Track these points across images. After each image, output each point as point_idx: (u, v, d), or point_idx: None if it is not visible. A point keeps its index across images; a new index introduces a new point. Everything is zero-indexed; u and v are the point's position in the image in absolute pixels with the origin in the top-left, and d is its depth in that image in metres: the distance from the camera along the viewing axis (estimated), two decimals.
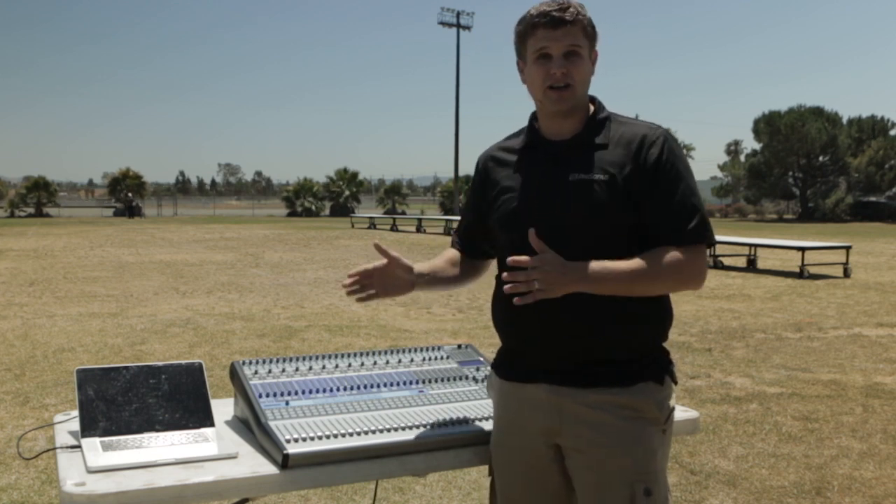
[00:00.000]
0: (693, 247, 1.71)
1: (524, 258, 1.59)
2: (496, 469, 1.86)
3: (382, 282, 1.85)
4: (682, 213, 1.70)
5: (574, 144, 1.76)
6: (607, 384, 1.70)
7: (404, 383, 2.09)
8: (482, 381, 2.15)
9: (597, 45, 1.78)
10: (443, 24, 50.55)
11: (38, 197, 44.03)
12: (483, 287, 2.15)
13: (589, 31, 1.74)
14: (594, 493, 1.71)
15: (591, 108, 1.81)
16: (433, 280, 1.93)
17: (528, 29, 1.74)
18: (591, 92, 1.82)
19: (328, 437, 1.76)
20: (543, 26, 1.71)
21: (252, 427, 1.88)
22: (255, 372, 2.04)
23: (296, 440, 1.73)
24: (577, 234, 1.70)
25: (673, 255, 1.68)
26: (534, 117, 1.85)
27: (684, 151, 1.77)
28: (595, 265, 1.64)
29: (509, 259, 1.60)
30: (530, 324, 1.74)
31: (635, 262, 1.66)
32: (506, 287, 1.62)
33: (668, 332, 1.80)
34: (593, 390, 1.70)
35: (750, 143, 61.90)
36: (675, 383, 1.79)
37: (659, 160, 1.70)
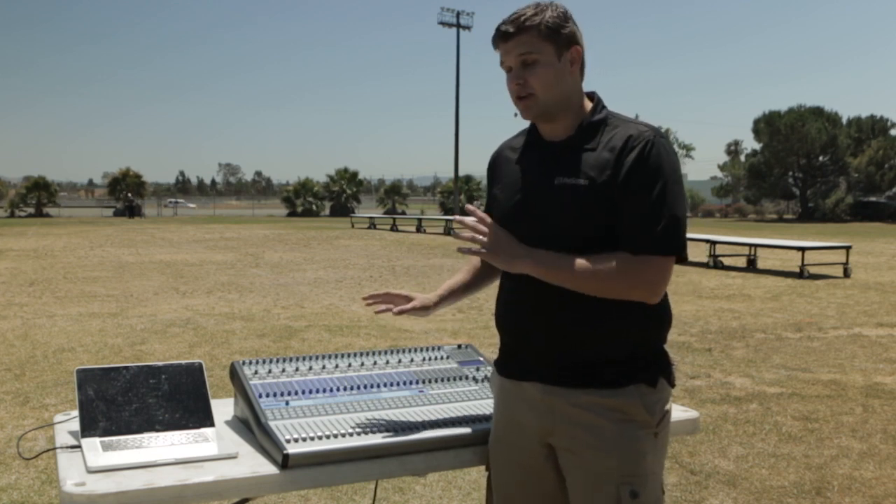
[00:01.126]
0: (649, 256, 1.65)
1: (481, 214, 1.71)
2: (493, 465, 1.87)
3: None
4: (647, 218, 1.65)
5: (564, 147, 1.76)
6: (598, 385, 1.69)
7: (404, 383, 2.09)
8: (482, 381, 2.15)
9: (573, 43, 1.73)
10: (443, 24, 50.55)
11: (38, 197, 44.06)
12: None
13: (547, 34, 1.70)
14: (582, 494, 1.71)
15: (590, 106, 1.79)
16: (450, 296, 2.05)
17: (493, 47, 1.78)
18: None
19: (328, 437, 1.76)
20: (498, 41, 1.74)
21: (252, 427, 1.88)
22: (255, 372, 2.04)
23: (296, 440, 1.73)
24: (565, 236, 1.70)
25: (625, 259, 1.65)
26: None
27: (676, 155, 1.72)
28: (543, 251, 1.68)
29: (466, 206, 1.75)
30: (527, 322, 1.75)
31: (584, 259, 1.65)
32: (454, 228, 1.74)
33: (666, 335, 1.79)
34: (584, 391, 1.70)
35: (750, 143, 61.97)
36: (673, 386, 1.78)
37: (636, 162, 1.66)
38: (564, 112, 1.76)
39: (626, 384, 1.70)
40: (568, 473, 1.74)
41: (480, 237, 1.69)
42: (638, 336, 1.73)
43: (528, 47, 1.70)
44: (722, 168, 65.13)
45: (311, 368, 2.11)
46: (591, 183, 1.68)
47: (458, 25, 50.00)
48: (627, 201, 1.66)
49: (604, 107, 1.79)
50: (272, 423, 1.80)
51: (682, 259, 1.70)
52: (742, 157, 59.68)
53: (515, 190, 1.81)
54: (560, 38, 1.71)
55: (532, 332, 1.75)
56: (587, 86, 1.81)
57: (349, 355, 2.20)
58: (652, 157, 1.66)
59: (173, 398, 1.95)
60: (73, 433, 1.88)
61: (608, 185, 1.67)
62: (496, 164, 1.93)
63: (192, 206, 50.15)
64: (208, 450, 1.77)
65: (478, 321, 8.29)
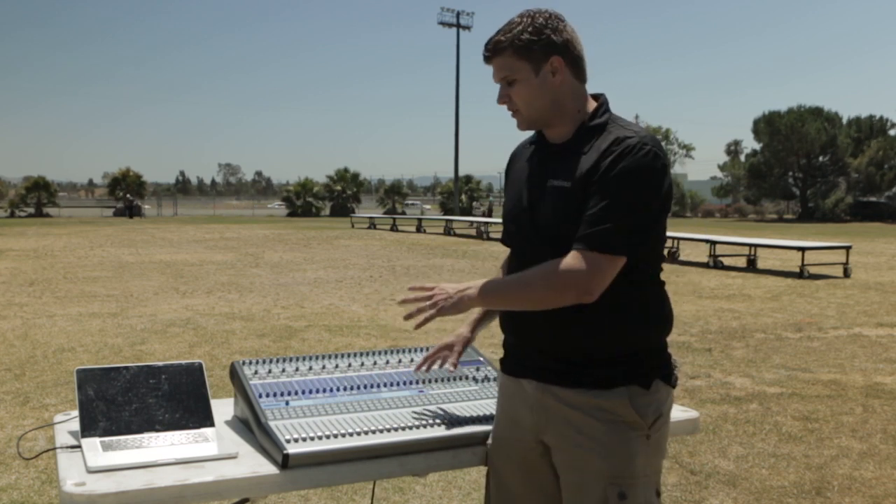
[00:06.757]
0: (578, 252, 1.63)
1: (424, 286, 1.85)
2: (492, 462, 1.88)
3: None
4: (591, 219, 1.64)
5: (560, 150, 1.77)
6: (588, 385, 1.69)
7: (404, 383, 2.09)
8: (482, 381, 2.16)
9: (551, 53, 1.70)
10: (443, 24, 50.64)
11: (38, 197, 44.04)
12: None
13: (522, 51, 1.70)
14: (571, 493, 1.73)
15: (592, 109, 1.78)
16: (486, 317, 2.15)
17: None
18: (591, 92, 1.81)
19: (328, 437, 1.76)
20: (484, 61, 1.80)
21: (252, 427, 1.88)
22: (255, 372, 2.04)
23: (296, 440, 1.73)
24: (555, 236, 1.71)
25: (548, 265, 1.66)
26: None
27: (659, 163, 1.65)
28: (485, 281, 1.79)
29: (410, 287, 1.88)
30: (525, 320, 1.77)
31: (507, 279, 1.79)
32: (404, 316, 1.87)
33: (665, 336, 1.78)
34: (576, 390, 1.70)
35: (750, 143, 61.85)
36: (673, 387, 1.77)
37: (609, 165, 1.64)
38: (560, 118, 1.77)
39: (615, 385, 1.69)
40: (560, 471, 1.76)
41: (423, 302, 1.80)
42: (634, 336, 1.72)
43: (505, 69, 1.75)
44: (722, 168, 65.00)
45: (311, 368, 2.11)
46: (574, 185, 1.69)
47: (458, 25, 50.07)
48: (588, 201, 1.66)
49: (606, 111, 1.77)
50: (272, 423, 1.80)
51: (624, 254, 1.64)
52: (742, 157, 59.59)
53: (518, 189, 1.84)
54: (533, 53, 1.71)
55: (530, 330, 1.77)
56: (590, 85, 1.80)
57: (349, 355, 2.20)
58: (624, 160, 1.63)
59: (173, 398, 1.96)
60: (73, 433, 1.88)
61: (585, 188, 1.67)
62: (511, 161, 1.97)
63: (428, 206, 48.40)
64: (208, 450, 1.77)
65: None
